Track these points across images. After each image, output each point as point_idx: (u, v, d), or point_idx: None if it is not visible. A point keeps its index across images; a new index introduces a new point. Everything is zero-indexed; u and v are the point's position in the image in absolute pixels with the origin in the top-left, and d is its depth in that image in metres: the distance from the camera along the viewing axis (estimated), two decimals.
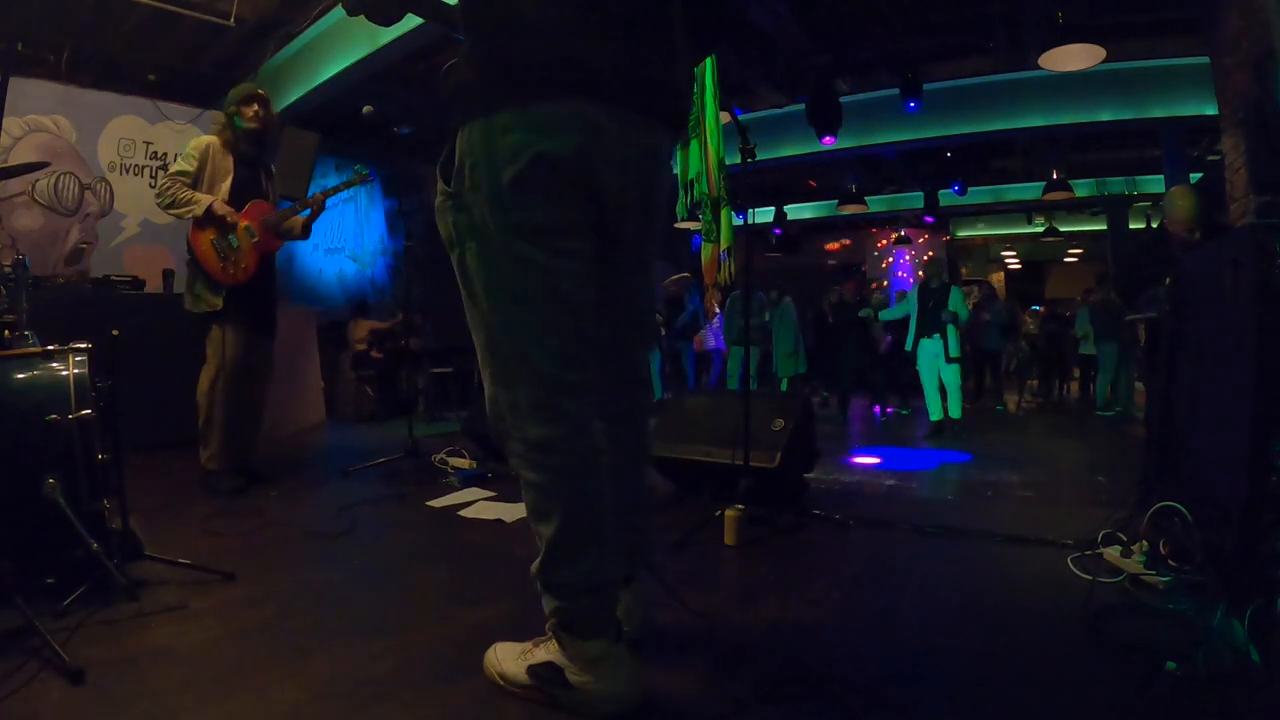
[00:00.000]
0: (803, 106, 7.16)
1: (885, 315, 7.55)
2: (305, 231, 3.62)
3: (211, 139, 3.41)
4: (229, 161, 3.39)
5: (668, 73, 1.40)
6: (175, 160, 3.45)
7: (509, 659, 1.47)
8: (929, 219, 12.00)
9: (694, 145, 3.46)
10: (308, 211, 3.60)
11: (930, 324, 6.30)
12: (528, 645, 1.47)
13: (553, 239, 1.31)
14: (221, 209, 3.27)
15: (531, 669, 1.42)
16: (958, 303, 6.25)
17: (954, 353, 6.22)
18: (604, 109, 1.29)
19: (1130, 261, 3.72)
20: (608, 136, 1.30)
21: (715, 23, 1.57)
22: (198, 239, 3.30)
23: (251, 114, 3.40)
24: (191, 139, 3.46)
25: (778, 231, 12.28)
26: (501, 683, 1.47)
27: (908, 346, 6.57)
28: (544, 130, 1.26)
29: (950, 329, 6.20)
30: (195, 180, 3.32)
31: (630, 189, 1.37)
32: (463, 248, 1.36)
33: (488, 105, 1.28)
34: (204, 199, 3.27)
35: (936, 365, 6.30)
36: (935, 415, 6.41)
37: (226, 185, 3.36)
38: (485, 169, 1.29)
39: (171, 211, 3.30)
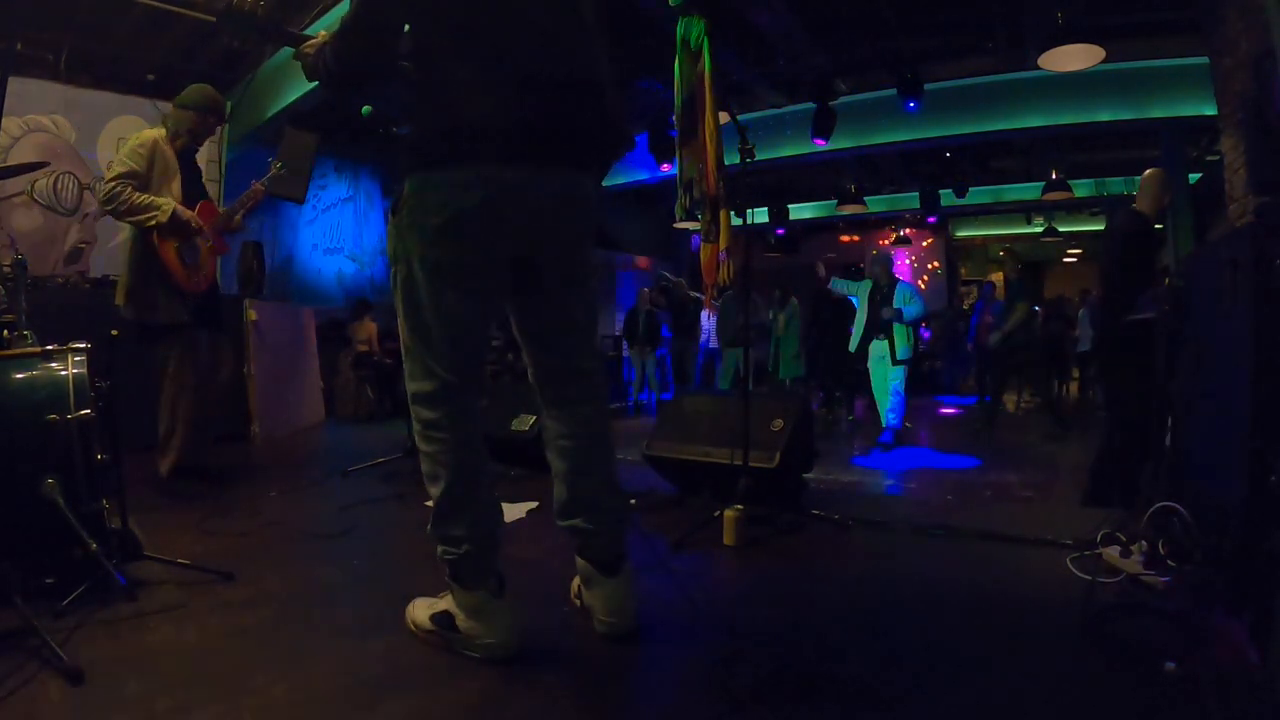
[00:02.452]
0: (802, 107, 7.16)
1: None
2: (241, 224, 3.47)
3: (157, 133, 3.18)
4: (175, 159, 3.19)
5: (579, 119, 1.63)
6: (115, 160, 3.11)
7: (420, 609, 1.75)
8: (931, 219, 12.00)
9: (694, 145, 3.46)
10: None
11: (876, 324, 5.92)
12: (435, 599, 1.73)
13: (460, 278, 1.59)
14: (186, 214, 3.10)
15: (433, 616, 1.70)
16: (903, 299, 5.79)
17: (900, 354, 5.81)
18: (510, 169, 1.55)
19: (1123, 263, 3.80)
20: (514, 191, 1.55)
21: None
22: (163, 246, 3.09)
23: (212, 124, 3.32)
24: (131, 143, 3.15)
25: (780, 232, 12.28)
26: (414, 629, 1.74)
27: (852, 347, 6.15)
28: (458, 188, 1.54)
29: (898, 329, 5.79)
30: (145, 181, 3.08)
31: (544, 230, 1.63)
32: (395, 268, 1.66)
33: (422, 166, 1.57)
34: (166, 204, 3.06)
35: (884, 368, 5.93)
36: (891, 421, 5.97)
37: (177, 185, 3.16)
38: (418, 215, 1.58)
39: (128, 219, 3.05)
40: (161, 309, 3.13)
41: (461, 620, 1.64)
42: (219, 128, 3.41)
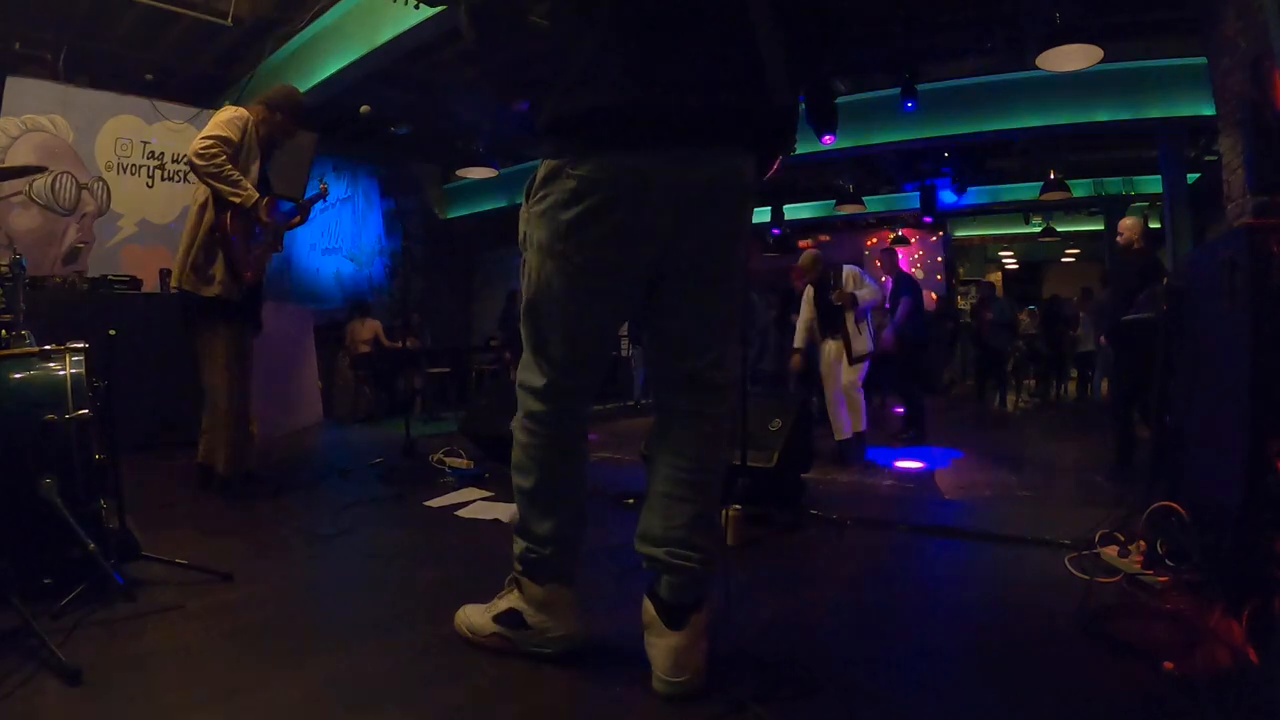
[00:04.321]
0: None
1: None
2: (280, 241, 3.49)
3: (250, 116, 3.18)
4: (257, 144, 3.21)
5: (745, 92, 1.43)
6: (210, 126, 3.09)
7: (476, 614, 1.71)
8: (927, 219, 12.00)
9: None
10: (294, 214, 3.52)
11: (830, 323, 5.06)
12: (490, 603, 1.69)
13: (591, 277, 1.48)
14: (265, 215, 3.13)
15: (496, 618, 1.66)
16: (852, 284, 4.95)
17: (857, 351, 4.93)
18: (664, 153, 1.40)
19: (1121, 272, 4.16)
20: (661, 183, 1.40)
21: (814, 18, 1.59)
22: (233, 226, 3.09)
23: (291, 128, 3.34)
24: (227, 113, 3.15)
25: (776, 232, 12.27)
26: (470, 635, 1.70)
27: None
28: (596, 183, 1.40)
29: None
30: (235, 154, 3.08)
31: (695, 223, 1.45)
32: (525, 253, 1.56)
33: (556, 151, 1.45)
34: (253, 193, 3.06)
35: (839, 371, 4.99)
36: (840, 435, 4.96)
37: (256, 170, 3.18)
38: (549, 204, 1.46)
39: (212, 183, 3.00)
40: (219, 283, 3.12)
41: (531, 615, 1.61)
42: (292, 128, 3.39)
